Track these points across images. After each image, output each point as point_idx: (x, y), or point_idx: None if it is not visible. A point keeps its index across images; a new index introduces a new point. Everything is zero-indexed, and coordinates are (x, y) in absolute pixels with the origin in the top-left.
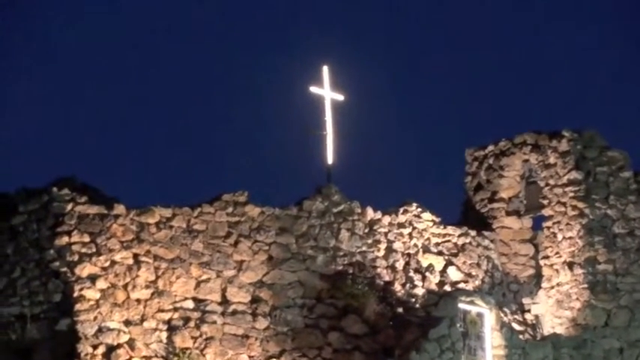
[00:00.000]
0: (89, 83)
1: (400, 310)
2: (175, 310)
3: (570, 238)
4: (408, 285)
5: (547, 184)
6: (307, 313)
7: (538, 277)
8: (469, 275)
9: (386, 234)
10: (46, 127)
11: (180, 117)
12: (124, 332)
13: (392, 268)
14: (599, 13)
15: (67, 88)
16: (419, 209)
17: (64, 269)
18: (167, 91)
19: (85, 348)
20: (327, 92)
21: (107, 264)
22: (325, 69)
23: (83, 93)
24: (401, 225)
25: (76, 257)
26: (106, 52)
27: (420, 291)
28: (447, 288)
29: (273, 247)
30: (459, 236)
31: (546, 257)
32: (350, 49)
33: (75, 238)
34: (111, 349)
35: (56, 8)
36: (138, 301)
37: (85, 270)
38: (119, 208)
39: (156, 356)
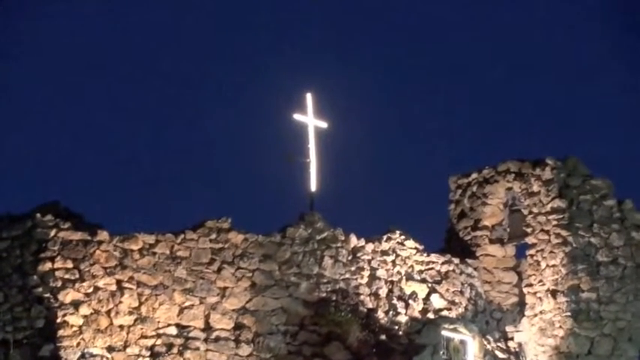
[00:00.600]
0: (72, 108)
1: (383, 337)
2: (158, 336)
3: (554, 266)
4: (391, 312)
5: (530, 212)
6: (290, 340)
7: (521, 304)
8: (452, 303)
9: (369, 261)
10: (29, 153)
11: (163, 143)
12: (107, 358)
13: (375, 295)
14: (583, 38)
15: (50, 112)
16: (402, 237)
17: (47, 295)
18: (151, 118)
19: None
20: (310, 119)
21: (90, 290)
22: (309, 96)
23: (65, 118)
24: (384, 252)
25: (59, 283)
26: (87, 77)
27: (403, 318)
28: (431, 315)
29: (257, 274)
30: (443, 264)
31: (530, 285)
32: (334, 77)
33: (58, 264)
34: None
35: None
36: (121, 327)
37: (68, 296)
38: (102, 235)
39: None
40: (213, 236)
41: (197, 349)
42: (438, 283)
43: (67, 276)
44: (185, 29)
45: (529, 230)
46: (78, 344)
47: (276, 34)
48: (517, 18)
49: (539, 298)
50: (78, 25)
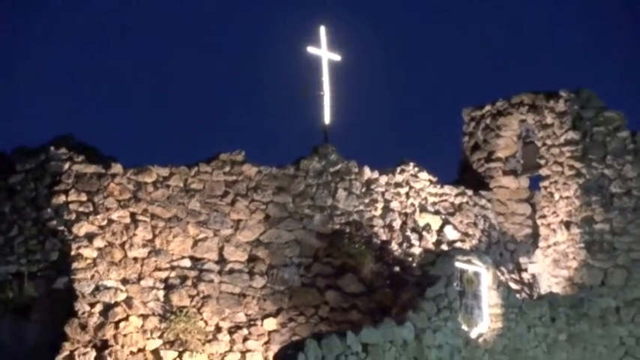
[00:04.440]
0: (90, 42)
1: (397, 269)
2: (172, 268)
3: (567, 197)
4: (404, 244)
5: (544, 144)
6: (304, 272)
7: (535, 236)
8: (466, 234)
9: (383, 193)
10: (44, 87)
11: (178, 77)
12: (121, 291)
13: (389, 227)
14: None
15: (67, 46)
16: (416, 169)
17: (62, 228)
18: (166, 53)
19: (82, 306)
20: (324, 52)
21: (104, 223)
22: (322, 29)
23: (84, 52)
24: (398, 184)
25: (73, 216)
26: (106, 16)
27: (416, 250)
28: (444, 247)
29: (270, 207)
30: (456, 196)
31: (543, 217)
32: (347, 9)
33: (72, 197)
34: (108, 307)
35: None
36: (135, 259)
37: (82, 229)
38: (116, 168)
39: (153, 314)
40: (227, 169)
41: (211, 281)
42: (452, 214)
43: (81, 209)
44: None
45: (542, 162)
46: (92, 277)
47: None
48: None
49: (553, 229)
50: None
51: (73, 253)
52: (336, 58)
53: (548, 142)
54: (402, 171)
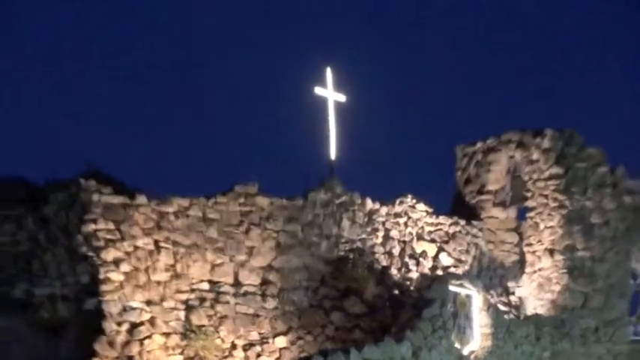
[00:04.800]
0: (112, 82)
1: (396, 292)
2: (192, 291)
3: (551, 227)
4: (403, 269)
5: (530, 178)
6: (312, 294)
7: (522, 262)
8: (459, 260)
9: (384, 223)
10: (73, 122)
11: (197, 114)
12: (146, 311)
13: (389, 253)
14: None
15: (94, 87)
16: (414, 200)
17: (91, 254)
18: (187, 92)
19: (110, 325)
20: (330, 93)
21: (130, 249)
22: (328, 71)
23: (111, 92)
24: (397, 215)
25: (101, 243)
26: (127, 51)
27: (414, 275)
28: (439, 272)
29: (281, 235)
30: (450, 225)
31: (529, 245)
32: (351, 54)
33: (100, 225)
34: (134, 326)
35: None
36: (158, 282)
37: (110, 254)
38: (141, 199)
39: (174, 333)
40: (242, 200)
41: (227, 302)
42: (446, 242)
43: (108, 236)
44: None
45: (529, 195)
46: (119, 298)
47: (300, 16)
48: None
49: (538, 256)
50: None
51: (101, 276)
52: (342, 98)
53: (534, 176)
54: (401, 202)
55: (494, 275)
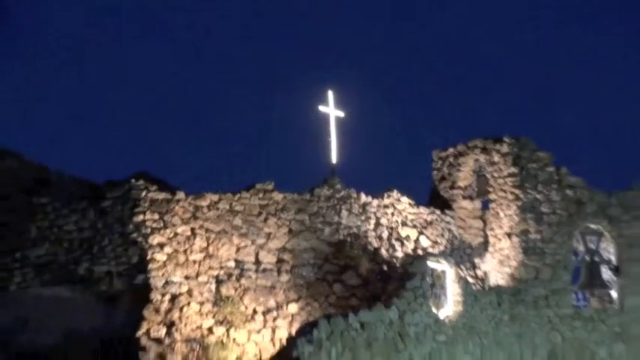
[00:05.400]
0: (161, 90)
1: (385, 267)
2: (221, 268)
3: (509, 215)
4: (390, 250)
5: (492, 176)
6: (317, 270)
7: (485, 243)
8: (435, 242)
9: (375, 213)
10: (121, 131)
11: (227, 127)
12: (184, 284)
13: (379, 237)
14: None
15: (144, 93)
16: (399, 194)
17: (140, 239)
18: (219, 110)
19: (156, 296)
20: (331, 110)
21: (171, 235)
22: (330, 93)
23: (157, 96)
24: (385, 206)
25: (148, 230)
26: (162, 62)
27: (399, 254)
28: (420, 252)
29: (293, 222)
30: (428, 214)
31: (492, 229)
32: (348, 77)
33: (148, 216)
34: (174, 296)
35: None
36: (194, 261)
37: (155, 239)
38: (180, 195)
39: (207, 301)
40: (261, 195)
41: (249, 277)
42: (425, 228)
43: (154, 225)
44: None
45: (491, 190)
46: (162, 274)
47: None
48: (483, 17)
49: (499, 238)
50: None
51: (148, 257)
52: (341, 114)
53: (495, 175)
54: (389, 196)
55: (463, 254)
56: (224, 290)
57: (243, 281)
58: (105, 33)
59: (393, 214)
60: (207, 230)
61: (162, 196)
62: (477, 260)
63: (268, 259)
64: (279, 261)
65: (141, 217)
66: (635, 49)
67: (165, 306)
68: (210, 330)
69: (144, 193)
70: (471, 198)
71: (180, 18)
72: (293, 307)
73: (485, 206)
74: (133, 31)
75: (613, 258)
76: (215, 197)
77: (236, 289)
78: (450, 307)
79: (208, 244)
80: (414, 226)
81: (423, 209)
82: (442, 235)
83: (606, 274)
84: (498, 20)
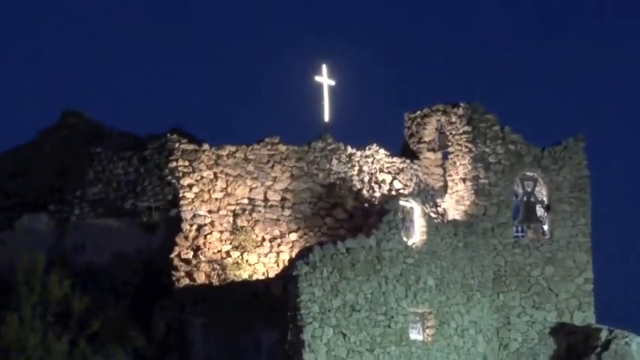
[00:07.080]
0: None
1: (366, 205)
2: (237, 204)
3: (464, 164)
4: (370, 191)
5: (451, 133)
6: (313, 206)
7: (445, 186)
8: (406, 186)
9: (358, 161)
10: (155, 88)
11: (246, 90)
12: (208, 217)
13: (362, 181)
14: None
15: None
16: (377, 147)
17: (174, 181)
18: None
19: (185, 226)
20: (325, 80)
21: (198, 178)
22: (324, 66)
23: (189, 57)
24: (367, 156)
25: (180, 174)
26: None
27: (377, 194)
28: (393, 193)
29: (294, 169)
30: (400, 163)
31: (450, 175)
32: (341, 49)
33: (180, 163)
34: (200, 226)
35: None
36: (216, 199)
37: (185, 181)
38: (205, 146)
39: (226, 231)
40: (269, 147)
41: (259, 211)
42: (398, 174)
43: (185, 170)
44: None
45: (449, 144)
46: (191, 209)
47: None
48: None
49: (456, 182)
50: None
51: (180, 195)
52: (333, 83)
53: (453, 132)
54: (369, 148)
55: (427, 195)
56: (239, 222)
57: (254, 215)
58: None
59: (372, 162)
60: (226, 174)
61: (191, 147)
62: (438, 200)
63: (274, 197)
64: (283, 199)
65: (174, 164)
66: None
67: (192, 234)
68: (228, 253)
69: (177, 145)
70: (434, 150)
71: None
72: (293, 236)
73: (445, 157)
74: None
75: (545, 199)
76: (233, 148)
77: (249, 221)
78: (416, 236)
79: (227, 185)
80: (389, 172)
81: (396, 159)
82: (411, 180)
83: (539, 211)
84: None
